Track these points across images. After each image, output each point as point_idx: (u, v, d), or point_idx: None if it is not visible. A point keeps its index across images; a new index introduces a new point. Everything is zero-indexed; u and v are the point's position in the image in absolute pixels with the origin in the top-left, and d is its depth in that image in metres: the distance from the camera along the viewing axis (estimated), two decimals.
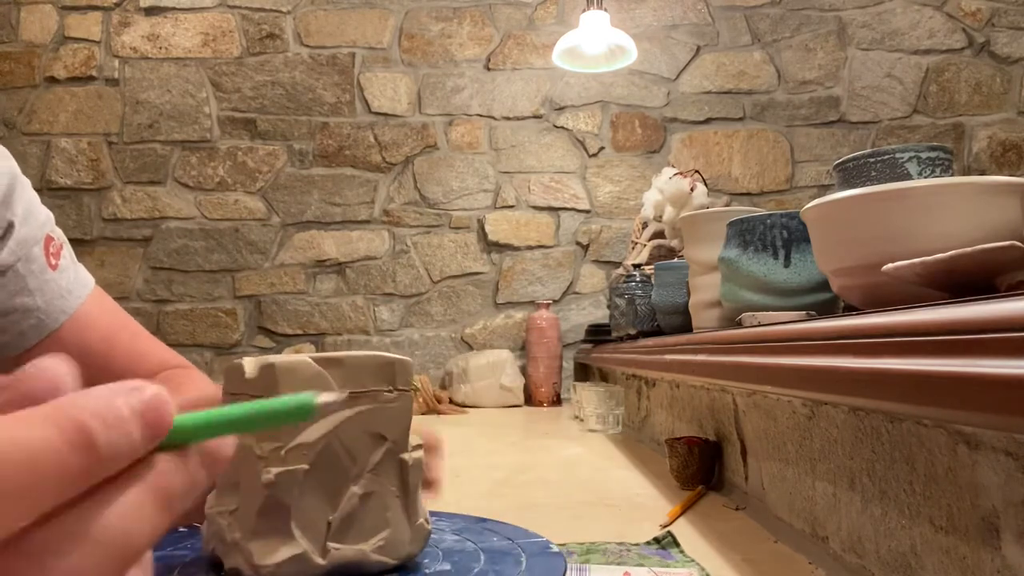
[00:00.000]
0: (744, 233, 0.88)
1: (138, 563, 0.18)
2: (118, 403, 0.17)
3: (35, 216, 0.58)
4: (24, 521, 0.16)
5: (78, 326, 0.58)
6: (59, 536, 0.16)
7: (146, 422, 0.18)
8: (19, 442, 0.15)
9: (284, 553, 0.28)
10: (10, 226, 0.56)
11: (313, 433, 0.29)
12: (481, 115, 2.89)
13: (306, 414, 0.21)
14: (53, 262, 0.58)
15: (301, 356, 0.30)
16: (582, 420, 1.84)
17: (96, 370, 0.55)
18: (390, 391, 0.31)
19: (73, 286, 0.59)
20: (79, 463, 0.16)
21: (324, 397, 0.21)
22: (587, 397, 1.79)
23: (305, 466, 0.29)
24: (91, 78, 2.82)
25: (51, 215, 0.61)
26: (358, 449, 0.30)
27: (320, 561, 0.29)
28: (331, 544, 0.29)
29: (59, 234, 0.61)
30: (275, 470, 0.28)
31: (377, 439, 0.31)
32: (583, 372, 2.70)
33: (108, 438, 0.17)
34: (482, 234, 2.86)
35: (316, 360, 0.30)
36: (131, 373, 0.58)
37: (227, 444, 0.20)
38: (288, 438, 0.29)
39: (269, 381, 0.29)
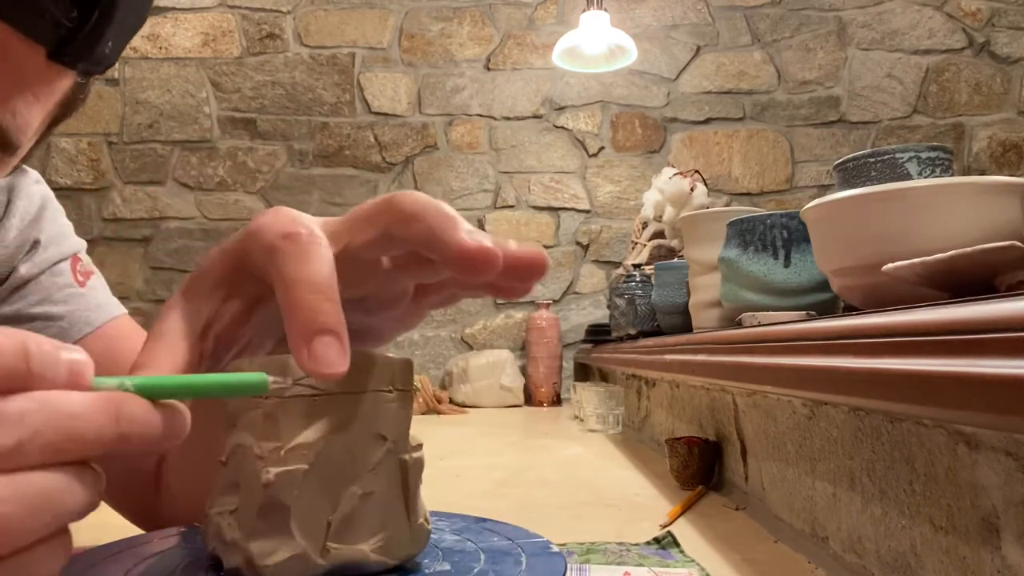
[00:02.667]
0: (744, 233, 0.88)
1: (83, 467, 0.22)
2: (50, 345, 0.22)
3: (65, 238, 0.59)
4: None
5: (106, 340, 0.57)
6: (12, 408, 0.21)
7: (71, 370, 0.23)
8: None
9: (284, 553, 0.28)
10: (36, 243, 0.56)
11: (313, 433, 0.29)
12: (481, 115, 2.89)
13: (259, 388, 0.26)
14: (81, 279, 0.58)
15: None
16: (582, 420, 1.84)
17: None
18: (390, 391, 0.31)
19: (103, 304, 0.58)
20: (14, 364, 0.21)
21: (274, 379, 0.26)
22: (587, 397, 1.79)
23: (305, 466, 0.29)
24: None
25: (84, 243, 0.61)
26: (358, 449, 0.30)
27: (320, 561, 0.29)
28: (331, 544, 0.29)
29: (89, 261, 0.61)
30: (274, 470, 0.28)
31: (377, 439, 0.31)
32: (583, 372, 2.70)
33: (40, 360, 0.22)
34: None
35: None
36: None
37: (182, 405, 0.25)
38: (288, 438, 0.29)
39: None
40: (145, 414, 0.23)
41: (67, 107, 0.37)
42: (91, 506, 0.23)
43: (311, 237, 0.29)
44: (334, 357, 0.26)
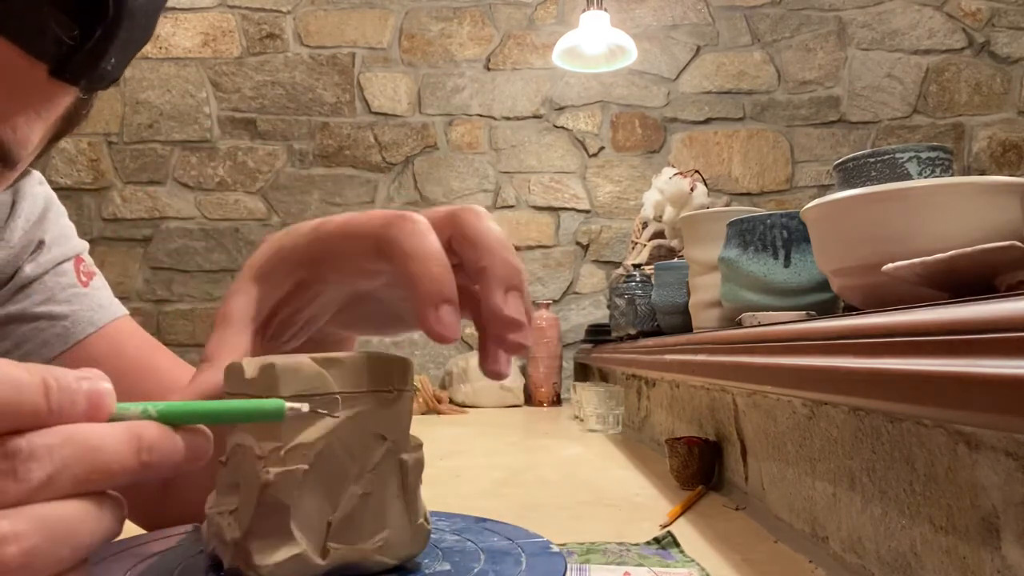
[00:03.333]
0: (744, 233, 0.88)
1: (105, 495, 0.23)
2: (70, 377, 0.23)
3: (68, 239, 0.59)
4: None
5: (109, 340, 0.58)
6: (33, 445, 0.21)
7: (90, 400, 0.23)
8: (7, 373, 0.21)
9: (283, 553, 0.28)
10: (41, 243, 0.57)
11: (312, 433, 0.29)
12: (481, 115, 2.89)
13: (276, 416, 0.27)
14: (84, 280, 0.59)
15: (301, 356, 0.30)
16: (582, 420, 1.84)
17: (136, 379, 0.55)
18: (390, 391, 0.31)
19: (106, 304, 0.59)
20: (35, 401, 0.21)
21: (291, 406, 0.27)
22: (587, 397, 1.79)
23: (304, 466, 0.29)
24: None
25: (86, 244, 0.61)
26: (358, 449, 0.30)
27: (319, 561, 0.29)
28: (331, 544, 0.29)
29: (91, 261, 0.61)
30: (274, 470, 0.28)
31: (377, 439, 0.31)
32: (583, 372, 2.70)
33: (58, 395, 0.22)
34: None
35: (315, 360, 0.30)
36: (175, 383, 0.57)
37: (204, 429, 0.26)
38: (288, 438, 0.29)
39: (269, 381, 0.29)
40: (167, 441, 0.24)
41: (69, 122, 0.37)
42: (113, 533, 0.24)
43: (417, 217, 0.32)
44: (455, 324, 0.30)
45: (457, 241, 0.32)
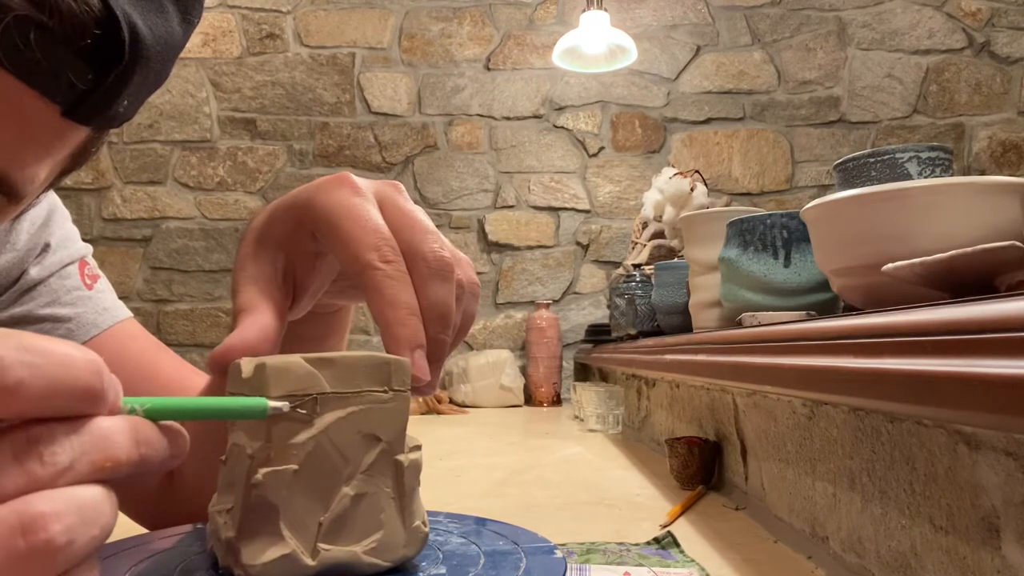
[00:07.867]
0: (744, 233, 0.88)
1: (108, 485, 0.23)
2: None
3: (72, 241, 0.60)
4: (36, 411, 0.21)
5: (114, 342, 0.58)
6: (54, 431, 0.22)
7: (115, 391, 0.24)
8: (59, 349, 0.21)
9: (272, 553, 0.28)
10: (46, 246, 0.57)
11: (304, 434, 0.29)
12: (481, 115, 2.89)
13: (258, 414, 0.28)
14: (88, 282, 0.59)
15: (293, 356, 0.30)
16: (582, 420, 1.84)
17: (140, 382, 0.55)
18: (385, 391, 0.31)
19: (110, 307, 0.60)
20: (90, 380, 0.22)
21: (273, 405, 0.28)
22: (587, 397, 1.79)
23: (294, 466, 0.29)
24: None
25: (90, 247, 0.62)
26: (350, 450, 0.30)
27: (310, 562, 0.29)
28: (321, 545, 0.29)
29: (95, 264, 0.62)
30: (263, 470, 0.28)
31: (371, 440, 0.31)
32: (583, 372, 2.70)
33: (108, 378, 0.23)
34: (482, 234, 2.86)
35: (308, 360, 0.29)
36: (179, 385, 0.58)
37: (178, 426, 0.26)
38: (278, 438, 0.29)
39: (261, 380, 0.29)
40: (156, 437, 0.25)
41: (79, 158, 0.37)
42: (115, 523, 0.24)
43: (400, 264, 0.34)
44: (427, 366, 0.33)
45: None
